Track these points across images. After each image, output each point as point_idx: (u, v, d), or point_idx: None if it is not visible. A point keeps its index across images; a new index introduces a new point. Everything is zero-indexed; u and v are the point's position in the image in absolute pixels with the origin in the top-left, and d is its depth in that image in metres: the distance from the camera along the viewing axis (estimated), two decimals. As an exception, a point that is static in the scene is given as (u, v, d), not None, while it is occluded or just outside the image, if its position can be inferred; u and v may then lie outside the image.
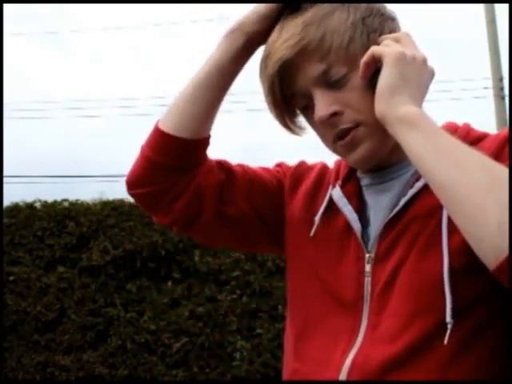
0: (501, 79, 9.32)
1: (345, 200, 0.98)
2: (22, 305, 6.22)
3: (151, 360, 6.07)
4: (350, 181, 1.02)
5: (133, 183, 1.04)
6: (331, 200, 1.01)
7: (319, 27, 0.90)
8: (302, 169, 1.11)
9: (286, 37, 0.91)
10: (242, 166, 1.09)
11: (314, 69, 0.91)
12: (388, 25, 0.94)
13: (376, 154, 0.93)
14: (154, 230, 6.21)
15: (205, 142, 1.03)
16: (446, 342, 0.83)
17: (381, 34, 0.93)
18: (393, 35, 0.92)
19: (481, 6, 9.68)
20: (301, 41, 0.90)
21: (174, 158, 1.00)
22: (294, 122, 1.00)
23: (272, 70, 0.92)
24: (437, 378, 0.83)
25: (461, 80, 12.16)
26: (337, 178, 1.04)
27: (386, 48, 0.88)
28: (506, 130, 0.91)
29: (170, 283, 6.17)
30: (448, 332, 0.83)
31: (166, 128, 1.00)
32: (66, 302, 6.22)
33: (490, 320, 0.85)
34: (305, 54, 0.90)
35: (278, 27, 0.94)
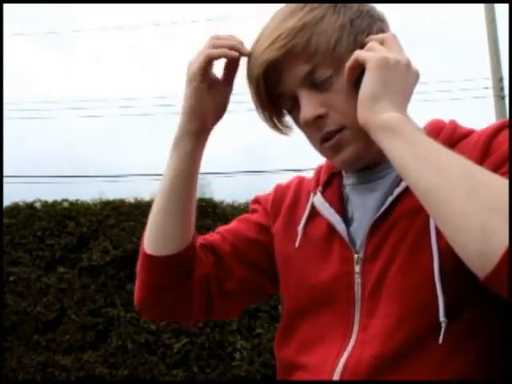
0: (501, 79, 9.32)
1: (326, 204, 0.98)
2: (22, 305, 6.22)
3: (151, 360, 6.07)
4: (330, 185, 1.01)
5: (143, 308, 1.08)
6: (313, 207, 1.00)
7: (307, 30, 0.90)
8: (279, 192, 1.10)
9: (272, 39, 0.90)
10: (220, 234, 1.09)
11: (300, 70, 0.90)
12: (376, 26, 0.94)
13: (361, 157, 0.93)
14: (154, 230, 6.20)
15: (191, 248, 1.03)
16: (440, 341, 0.82)
17: (368, 35, 0.92)
18: (378, 36, 0.92)
19: (481, 6, 9.69)
20: (287, 43, 0.89)
21: (168, 276, 1.02)
22: (281, 122, 1.00)
23: (257, 72, 0.91)
24: (431, 378, 0.82)
25: (461, 80, 12.18)
26: (317, 185, 1.03)
27: (369, 53, 0.88)
28: (492, 125, 0.90)
29: (170, 283, 6.17)
30: (442, 331, 0.82)
31: (151, 250, 1.03)
32: (66, 302, 6.22)
33: (484, 317, 0.84)
34: (291, 56, 0.90)
35: (265, 30, 0.93)
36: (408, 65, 0.88)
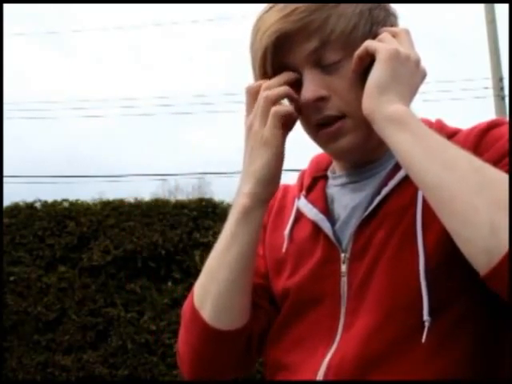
0: (501, 79, 9.33)
1: (310, 205, 0.97)
2: (22, 305, 6.22)
3: (152, 360, 6.07)
4: (314, 188, 1.01)
5: (193, 376, 0.99)
6: (298, 211, 0.99)
7: (326, 9, 0.87)
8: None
9: (287, 11, 0.87)
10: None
11: (311, 48, 0.88)
12: (390, 20, 0.93)
13: (357, 148, 0.92)
14: (154, 230, 6.21)
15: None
16: (423, 340, 0.81)
17: (383, 27, 0.91)
18: (392, 29, 0.91)
19: (481, 6, 9.69)
20: (304, 18, 0.87)
21: (233, 349, 0.96)
22: None
23: (268, 41, 0.88)
24: (415, 377, 0.81)
25: (461, 80, 12.20)
26: (301, 190, 1.02)
27: (380, 44, 0.87)
28: (481, 123, 0.90)
29: (170, 283, 6.17)
30: (426, 330, 0.81)
31: (217, 323, 0.93)
32: (66, 302, 6.21)
33: (470, 316, 0.83)
34: (305, 31, 0.87)
35: (277, 4, 0.90)
36: (417, 62, 0.88)
